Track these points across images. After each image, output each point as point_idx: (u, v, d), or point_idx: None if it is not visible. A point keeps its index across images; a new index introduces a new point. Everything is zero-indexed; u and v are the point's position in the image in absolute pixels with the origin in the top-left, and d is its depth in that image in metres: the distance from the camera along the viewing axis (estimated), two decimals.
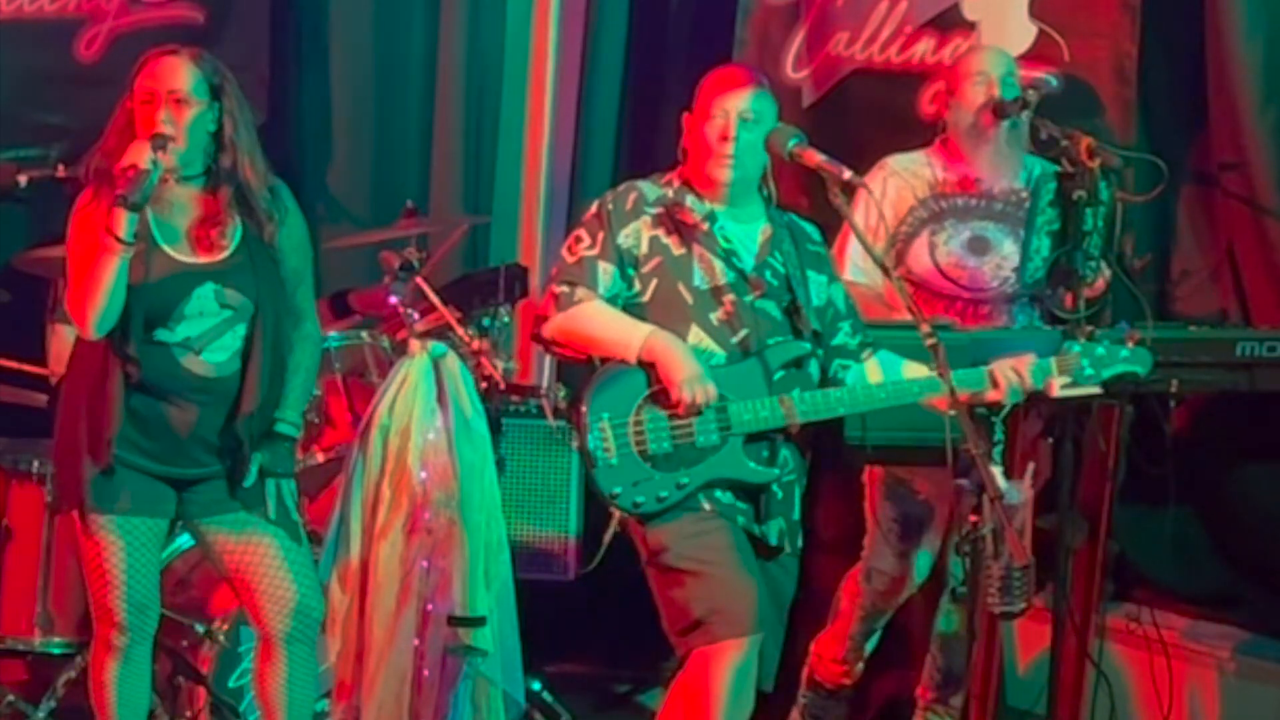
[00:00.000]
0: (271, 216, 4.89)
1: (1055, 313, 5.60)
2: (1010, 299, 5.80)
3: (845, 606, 5.99)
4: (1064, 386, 4.98)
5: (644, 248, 4.87)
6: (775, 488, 4.85)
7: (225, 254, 4.86)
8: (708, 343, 4.83)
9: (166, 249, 4.82)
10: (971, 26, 6.50)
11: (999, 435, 5.10)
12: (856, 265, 5.72)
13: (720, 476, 4.80)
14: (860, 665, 6.06)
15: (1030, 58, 6.30)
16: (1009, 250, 5.79)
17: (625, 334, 4.80)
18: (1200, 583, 6.21)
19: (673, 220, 4.88)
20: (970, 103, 5.80)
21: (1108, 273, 5.64)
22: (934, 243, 5.82)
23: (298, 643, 4.98)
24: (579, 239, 4.89)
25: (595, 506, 6.47)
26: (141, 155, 4.66)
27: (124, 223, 4.65)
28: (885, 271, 4.93)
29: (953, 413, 4.66)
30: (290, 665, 4.98)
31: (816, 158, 4.82)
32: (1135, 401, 5.59)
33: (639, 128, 7.21)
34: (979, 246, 5.81)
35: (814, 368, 4.91)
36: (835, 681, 6.07)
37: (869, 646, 6.05)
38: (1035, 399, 5.07)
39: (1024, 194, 5.79)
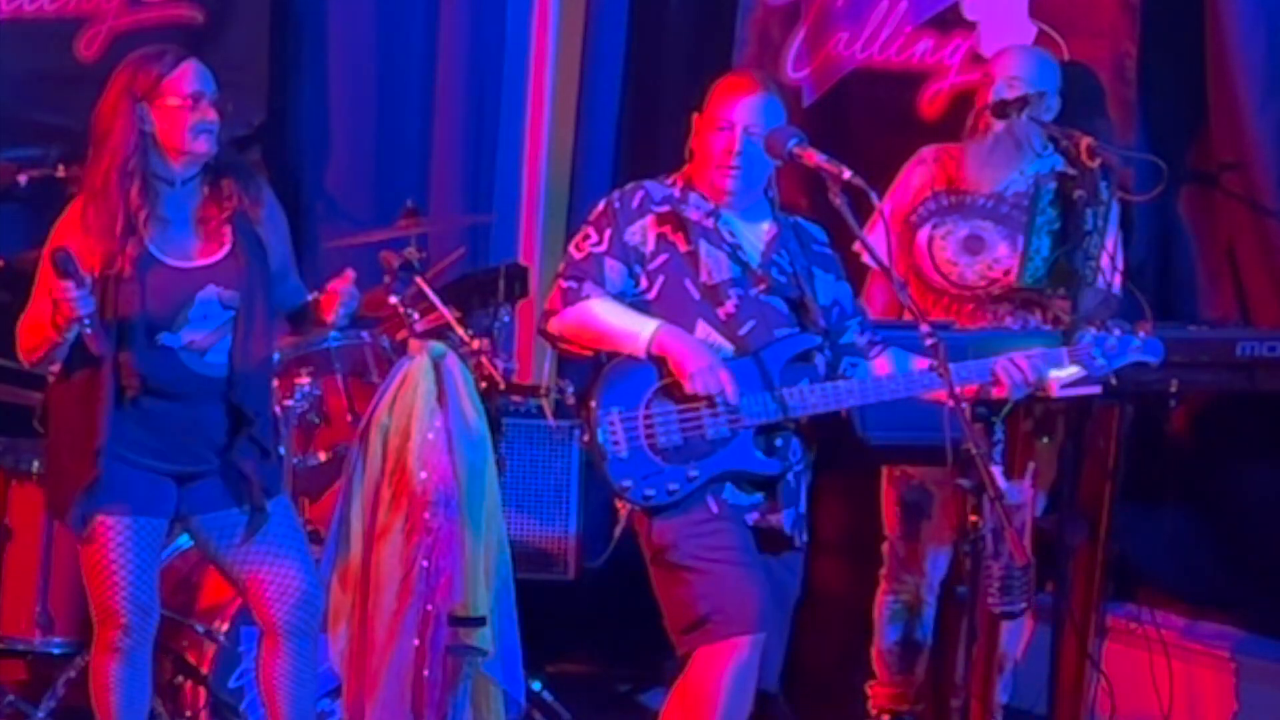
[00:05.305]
0: (246, 188, 4.90)
1: (1057, 315, 5.61)
2: (995, 300, 5.79)
3: (874, 615, 5.99)
4: (1063, 385, 4.98)
5: (651, 245, 4.88)
6: (789, 476, 4.85)
7: (223, 253, 4.86)
8: (715, 337, 4.84)
9: (167, 260, 4.82)
10: (971, 26, 6.51)
11: (999, 435, 5.11)
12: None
13: (731, 469, 4.80)
14: (912, 689, 5.99)
15: None
16: (1002, 253, 5.80)
17: (634, 329, 4.80)
18: (1200, 583, 6.21)
19: (678, 218, 4.89)
20: (980, 102, 5.82)
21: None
22: (933, 235, 5.84)
23: (302, 636, 4.99)
24: (587, 236, 4.89)
25: (595, 506, 6.49)
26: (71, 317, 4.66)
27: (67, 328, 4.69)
28: (887, 274, 4.93)
29: (953, 412, 4.67)
30: (295, 659, 4.99)
31: (816, 158, 4.82)
32: (1135, 401, 5.59)
33: (639, 128, 7.20)
34: (974, 245, 5.82)
35: (821, 362, 4.91)
36: (892, 707, 6.00)
37: (915, 667, 5.98)
38: (1030, 398, 5.07)
39: (1025, 196, 5.80)
